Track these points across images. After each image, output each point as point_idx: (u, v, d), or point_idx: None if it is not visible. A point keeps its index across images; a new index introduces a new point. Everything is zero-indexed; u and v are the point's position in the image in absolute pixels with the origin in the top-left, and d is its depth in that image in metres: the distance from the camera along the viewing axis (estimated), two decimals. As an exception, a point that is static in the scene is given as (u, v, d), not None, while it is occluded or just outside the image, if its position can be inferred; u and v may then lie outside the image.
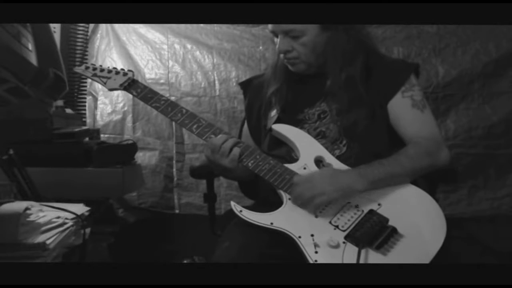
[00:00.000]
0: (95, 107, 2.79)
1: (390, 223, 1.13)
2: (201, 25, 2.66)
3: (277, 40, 1.34)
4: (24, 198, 1.65)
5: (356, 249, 1.09)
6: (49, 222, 1.41)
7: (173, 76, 2.69)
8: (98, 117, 2.78)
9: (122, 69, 1.44)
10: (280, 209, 1.19)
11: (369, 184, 1.17)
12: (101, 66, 1.46)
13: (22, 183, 1.69)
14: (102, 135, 2.58)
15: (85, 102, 2.80)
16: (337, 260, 1.08)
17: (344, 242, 1.12)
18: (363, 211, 1.17)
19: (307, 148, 1.29)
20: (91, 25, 2.79)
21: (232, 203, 1.21)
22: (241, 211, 1.19)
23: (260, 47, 2.60)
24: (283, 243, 1.14)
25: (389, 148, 1.29)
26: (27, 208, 1.36)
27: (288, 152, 1.34)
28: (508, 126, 2.37)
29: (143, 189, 2.63)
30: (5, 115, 1.62)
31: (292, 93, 1.42)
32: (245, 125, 1.58)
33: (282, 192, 1.22)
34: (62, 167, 1.97)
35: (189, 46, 2.68)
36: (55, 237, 1.36)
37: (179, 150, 2.68)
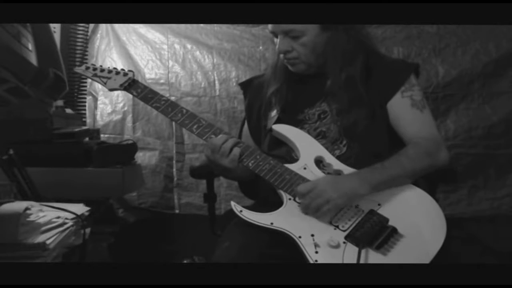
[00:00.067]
0: (95, 107, 2.79)
1: (390, 223, 1.13)
2: (201, 25, 2.66)
3: (277, 40, 1.34)
4: (24, 198, 1.65)
5: (356, 249, 1.09)
6: (49, 222, 1.41)
7: (173, 76, 2.69)
8: (98, 117, 2.78)
9: (122, 69, 1.44)
10: (280, 209, 1.19)
11: (372, 188, 1.18)
12: (101, 66, 1.46)
13: (22, 183, 1.69)
14: (102, 135, 2.58)
15: (85, 102, 2.80)
16: (338, 260, 1.08)
17: (344, 242, 1.12)
18: (363, 211, 1.17)
19: (307, 148, 1.29)
20: (91, 25, 2.79)
21: (232, 203, 1.21)
22: (241, 211, 1.19)
23: (260, 47, 2.60)
24: (283, 243, 1.14)
25: (389, 148, 1.29)
26: (27, 208, 1.36)
27: (288, 152, 1.34)
28: (508, 126, 2.37)
29: (143, 189, 2.63)
30: (5, 115, 1.62)
31: (292, 93, 1.42)
32: (245, 125, 1.58)
33: (282, 192, 1.22)
34: (62, 167, 1.97)
35: (189, 46, 2.68)
36: (55, 237, 1.36)
37: (179, 150, 2.68)
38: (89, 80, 2.69)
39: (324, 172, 1.26)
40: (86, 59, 2.76)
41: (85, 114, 2.79)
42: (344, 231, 1.14)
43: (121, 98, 2.75)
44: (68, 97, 2.64)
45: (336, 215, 1.16)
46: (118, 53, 2.75)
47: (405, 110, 1.32)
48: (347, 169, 1.25)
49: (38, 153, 1.97)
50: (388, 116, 1.33)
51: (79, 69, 1.47)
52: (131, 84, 1.40)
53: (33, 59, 1.22)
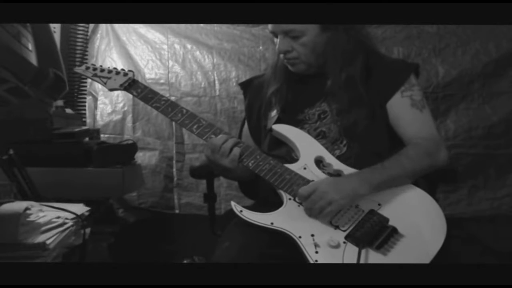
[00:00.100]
0: (95, 107, 2.79)
1: (390, 223, 1.13)
2: (201, 25, 2.66)
3: (277, 40, 1.34)
4: (24, 198, 1.65)
5: (356, 249, 1.09)
6: (49, 222, 1.41)
7: (173, 76, 2.69)
8: (98, 117, 2.78)
9: (122, 69, 1.44)
10: (280, 209, 1.19)
11: (373, 188, 1.18)
12: (101, 66, 1.46)
13: (22, 183, 1.69)
14: (102, 135, 2.58)
15: (85, 102, 2.80)
16: (338, 260, 1.08)
17: (344, 242, 1.12)
18: (363, 211, 1.17)
19: (307, 148, 1.29)
20: (91, 25, 2.79)
21: (233, 203, 1.21)
22: (241, 211, 1.19)
23: (260, 47, 2.60)
24: (283, 243, 1.14)
25: (389, 148, 1.29)
26: (27, 208, 1.36)
27: (288, 152, 1.34)
28: (508, 126, 2.37)
29: (143, 189, 2.63)
30: (5, 115, 1.62)
31: (292, 93, 1.42)
32: (245, 125, 1.58)
33: (282, 192, 1.22)
34: (62, 167, 1.97)
35: (189, 46, 2.68)
36: (55, 237, 1.36)
37: (179, 150, 2.68)
38: (89, 80, 2.69)
39: (324, 172, 1.26)
40: (86, 59, 2.76)
41: (85, 114, 2.79)
42: (344, 231, 1.14)
43: (121, 98, 2.75)
44: (68, 97, 2.64)
45: (336, 215, 1.16)
46: (118, 53, 2.75)
47: (405, 110, 1.32)
48: (347, 169, 1.25)
49: (38, 153, 1.97)
50: (388, 116, 1.33)
51: (79, 69, 1.47)
52: (131, 84, 1.40)
53: (33, 59, 1.22)
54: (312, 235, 1.12)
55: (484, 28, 2.38)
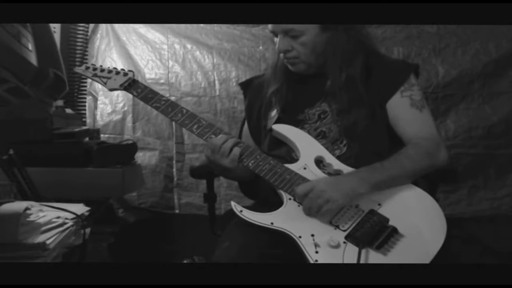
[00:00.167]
0: (95, 107, 2.79)
1: (391, 223, 1.13)
2: (201, 25, 2.66)
3: (277, 39, 1.34)
4: (24, 198, 1.65)
5: (356, 249, 1.09)
6: (49, 222, 1.41)
7: (173, 76, 2.69)
8: (98, 117, 2.78)
9: (122, 69, 1.44)
10: (280, 209, 1.19)
11: (372, 187, 1.18)
12: (101, 66, 1.46)
13: (22, 183, 1.69)
14: (102, 135, 2.58)
15: (85, 102, 2.80)
16: (338, 260, 1.08)
17: (344, 242, 1.12)
18: (363, 211, 1.17)
19: (307, 148, 1.29)
20: (91, 25, 2.79)
21: (233, 203, 1.21)
22: (241, 211, 1.19)
23: (260, 47, 2.60)
24: (284, 243, 1.14)
25: (389, 148, 1.29)
26: (27, 208, 1.36)
27: (288, 152, 1.34)
28: (508, 126, 2.37)
29: (143, 189, 2.63)
30: (5, 115, 1.62)
31: (292, 93, 1.42)
32: (245, 125, 1.58)
33: (282, 192, 1.22)
34: (62, 167, 1.97)
35: (189, 46, 2.68)
36: (55, 237, 1.36)
37: (179, 150, 2.68)
38: (89, 80, 2.69)
39: (324, 172, 1.25)
40: (86, 59, 2.76)
41: (85, 114, 2.79)
42: (344, 231, 1.14)
43: (121, 98, 2.75)
44: (68, 97, 2.64)
45: (336, 215, 1.16)
46: (118, 53, 2.75)
47: (405, 110, 1.32)
48: (347, 169, 1.25)
49: (38, 153, 1.97)
50: (387, 116, 1.33)
51: (79, 69, 1.47)
52: (131, 84, 1.40)
53: (33, 59, 1.22)
54: (312, 235, 1.12)
55: (484, 28, 2.38)
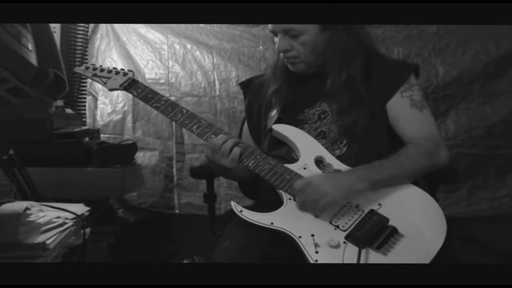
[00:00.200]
0: (95, 107, 2.79)
1: (391, 223, 1.13)
2: (201, 25, 2.66)
3: (276, 39, 1.34)
4: (24, 198, 1.65)
5: (356, 249, 1.09)
6: (49, 222, 1.41)
7: (173, 76, 2.69)
8: (98, 117, 2.78)
9: (122, 69, 1.44)
10: (280, 209, 1.19)
11: (370, 185, 1.18)
12: (101, 66, 1.46)
13: (22, 183, 1.69)
14: (102, 135, 2.58)
15: (85, 102, 2.80)
16: (338, 260, 1.08)
17: (344, 242, 1.12)
18: (363, 211, 1.17)
19: (307, 148, 1.29)
20: (91, 25, 2.79)
21: (233, 203, 1.21)
22: (241, 211, 1.19)
23: (260, 47, 2.60)
24: (284, 243, 1.14)
25: (389, 148, 1.29)
26: (27, 208, 1.36)
27: (288, 152, 1.34)
28: (508, 126, 2.37)
29: (143, 189, 2.63)
30: (5, 115, 1.62)
31: (292, 93, 1.42)
32: (245, 125, 1.58)
33: (282, 192, 1.22)
34: (62, 167, 1.97)
35: (189, 46, 2.68)
36: (55, 237, 1.36)
37: (179, 150, 2.68)
38: (89, 80, 2.69)
39: (324, 172, 1.25)
40: (86, 59, 2.76)
41: (85, 114, 2.79)
42: (344, 231, 1.14)
43: (121, 98, 2.75)
44: (68, 97, 2.64)
45: (336, 215, 1.16)
46: (118, 53, 2.75)
47: (405, 110, 1.32)
48: (347, 169, 1.24)
49: (38, 153, 1.97)
50: (387, 116, 1.33)
51: (79, 69, 1.47)
52: (131, 84, 1.40)
53: (33, 59, 1.22)
54: (312, 235, 1.12)
55: (484, 28, 2.38)
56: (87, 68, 1.46)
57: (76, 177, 1.97)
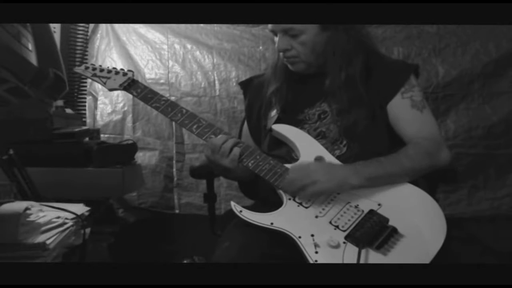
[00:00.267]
0: (95, 107, 2.79)
1: (390, 223, 1.13)
2: (201, 25, 2.66)
3: (276, 39, 1.34)
4: (24, 198, 1.65)
5: (356, 249, 1.09)
6: (49, 222, 1.41)
7: (173, 76, 2.69)
8: (98, 117, 2.78)
9: (122, 69, 1.44)
10: (280, 209, 1.19)
11: (365, 180, 1.18)
12: (101, 66, 1.46)
13: (22, 183, 1.69)
14: (102, 135, 2.58)
15: (85, 102, 2.80)
16: (338, 260, 1.08)
17: (344, 242, 1.12)
18: (363, 211, 1.17)
19: (307, 148, 1.29)
20: (91, 25, 2.79)
21: (232, 203, 1.21)
22: (241, 211, 1.19)
23: (260, 47, 2.60)
24: (283, 243, 1.14)
25: (389, 148, 1.29)
26: (27, 208, 1.36)
27: (288, 152, 1.34)
28: (508, 126, 2.37)
29: (143, 189, 2.63)
30: (5, 115, 1.62)
31: (292, 93, 1.41)
32: (245, 125, 1.58)
33: (282, 192, 1.22)
34: (62, 167, 1.97)
35: (189, 46, 2.68)
36: (55, 237, 1.36)
37: (179, 150, 2.68)
38: (89, 80, 2.69)
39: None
40: (86, 59, 2.76)
41: (85, 114, 2.79)
42: (344, 231, 1.14)
43: (121, 98, 2.75)
44: (68, 97, 2.64)
45: (336, 215, 1.16)
46: (118, 53, 2.76)
47: (405, 111, 1.32)
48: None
49: (38, 153, 1.97)
50: (388, 117, 1.33)
51: (79, 69, 1.47)
52: (131, 84, 1.40)
53: (33, 59, 1.22)
54: (312, 235, 1.12)
55: (484, 28, 2.38)
56: (87, 68, 1.46)
57: (76, 177, 1.97)
